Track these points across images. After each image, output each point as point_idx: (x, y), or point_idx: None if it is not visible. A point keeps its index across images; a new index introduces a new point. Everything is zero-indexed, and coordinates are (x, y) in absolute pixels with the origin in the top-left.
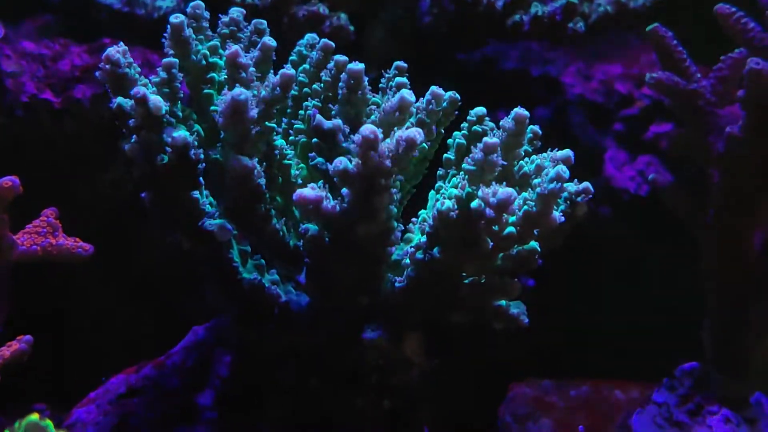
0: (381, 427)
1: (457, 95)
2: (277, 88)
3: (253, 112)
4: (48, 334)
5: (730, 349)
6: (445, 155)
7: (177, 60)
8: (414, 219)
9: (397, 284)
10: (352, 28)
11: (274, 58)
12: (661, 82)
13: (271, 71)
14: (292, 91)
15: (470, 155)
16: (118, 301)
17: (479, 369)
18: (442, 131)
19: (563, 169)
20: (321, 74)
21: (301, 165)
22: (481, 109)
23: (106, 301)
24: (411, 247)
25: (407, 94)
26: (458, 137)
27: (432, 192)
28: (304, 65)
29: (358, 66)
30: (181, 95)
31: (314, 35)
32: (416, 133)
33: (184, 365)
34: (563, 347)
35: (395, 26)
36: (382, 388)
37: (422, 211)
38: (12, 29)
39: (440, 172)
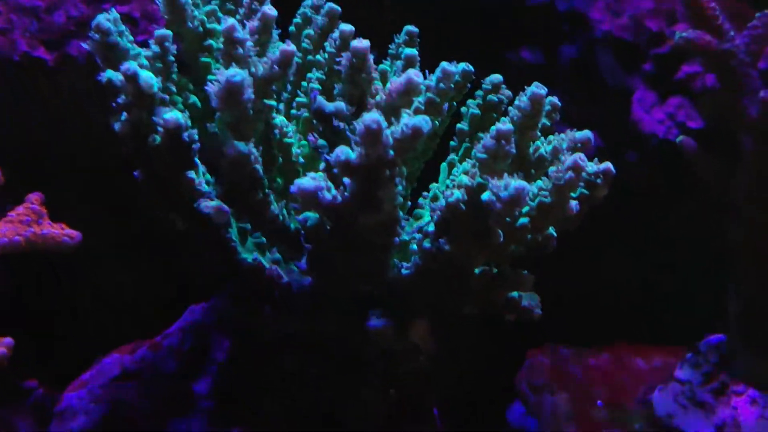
0: (387, 417)
1: (471, 67)
2: (275, 66)
3: (250, 92)
4: (42, 302)
5: (757, 324)
6: (458, 125)
7: (170, 32)
8: (425, 193)
9: (403, 271)
10: None
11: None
12: (691, 42)
13: (276, 37)
14: (296, 59)
15: (482, 142)
16: (119, 264)
17: (493, 337)
18: (454, 104)
19: (581, 157)
20: (325, 44)
21: (303, 142)
22: (496, 77)
23: (106, 264)
24: (419, 232)
25: (414, 75)
26: (472, 107)
27: (444, 164)
28: (308, 30)
29: (362, 44)
30: (175, 69)
31: None
32: (422, 121)
33: (181, 348)
34: (582, 308)
35: None
36: (389, 376)
37: (433, 184)
38: None
39: (453, 143)
